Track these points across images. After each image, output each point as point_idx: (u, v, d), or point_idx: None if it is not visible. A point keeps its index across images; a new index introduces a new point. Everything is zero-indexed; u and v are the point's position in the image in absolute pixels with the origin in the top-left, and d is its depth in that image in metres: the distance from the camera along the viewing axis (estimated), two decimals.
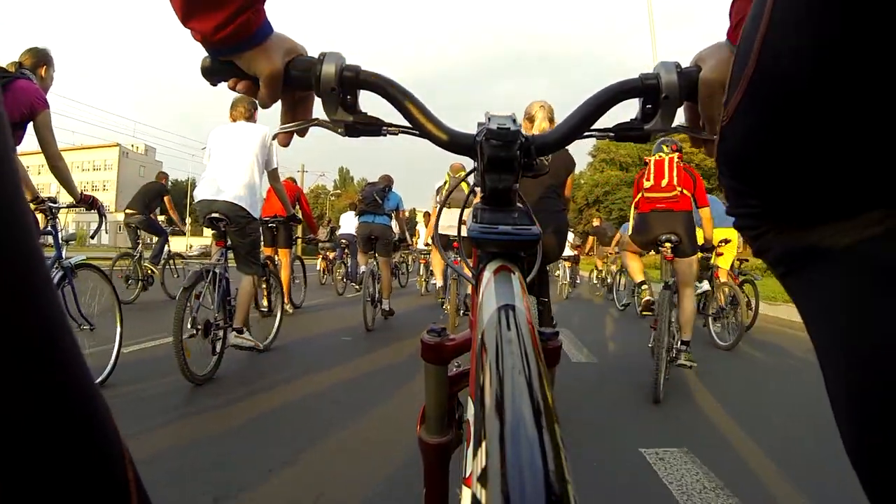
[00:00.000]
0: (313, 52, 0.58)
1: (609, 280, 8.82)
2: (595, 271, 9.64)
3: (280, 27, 0.56)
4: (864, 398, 0.35)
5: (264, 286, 4.43)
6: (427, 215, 8.45)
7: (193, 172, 66.24)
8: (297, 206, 5.36)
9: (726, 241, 4.70)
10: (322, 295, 7.72)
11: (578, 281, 10.43)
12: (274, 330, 3.78)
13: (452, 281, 4.34)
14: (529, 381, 0.26)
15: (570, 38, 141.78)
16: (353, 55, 0.59)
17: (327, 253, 9.93)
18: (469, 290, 4.04)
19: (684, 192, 3.14)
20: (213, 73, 0.57)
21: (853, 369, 0.36)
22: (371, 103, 0.60)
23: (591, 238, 10.45)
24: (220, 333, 2.88)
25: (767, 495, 1.73)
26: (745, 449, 2.15)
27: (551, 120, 2.69)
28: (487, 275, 0.42)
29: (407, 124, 0.57)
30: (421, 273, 9.46)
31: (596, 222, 10.83)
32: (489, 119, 0.52)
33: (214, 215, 2.99)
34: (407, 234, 9.04)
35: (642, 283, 3.81)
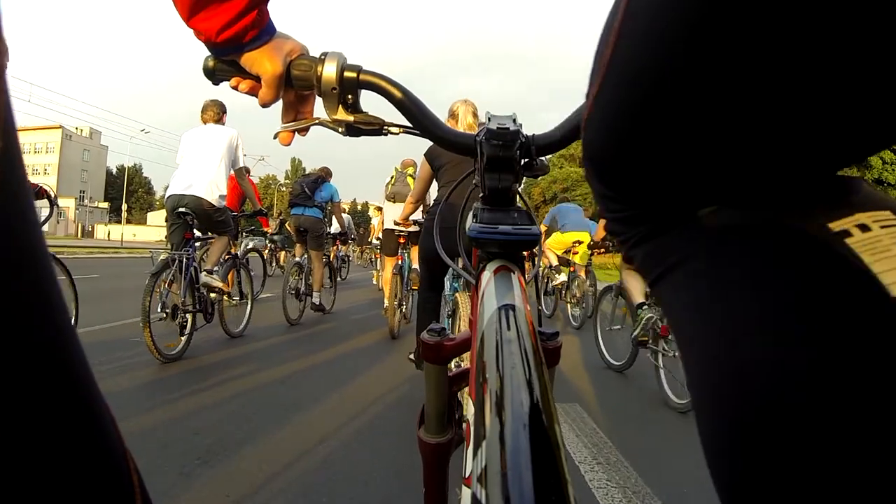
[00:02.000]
0: (315, 52, 0.57)
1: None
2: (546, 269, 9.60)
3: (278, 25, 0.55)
4: (723, 404, 0.31)
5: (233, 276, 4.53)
6: (379, 209, 8.24)
7: (134, 156, 61.68)
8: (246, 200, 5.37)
9: (579, 242, 5.56)
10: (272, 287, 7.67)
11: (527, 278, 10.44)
12: (245, 318, 4.06)
13: (393, 276, 4.17)
14: (529, 380, 0.26)
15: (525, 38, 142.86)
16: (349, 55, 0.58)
17: (275, 246, 9.75)
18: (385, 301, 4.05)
19: None
20: (215, 72, 0.56)
21: (712, 387, 0.32)
22: (372, 102, 0.59)
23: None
24: (188, 317, 3.10)
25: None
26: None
27: (475, 114, 2.71)
28: (487, 275, 0.42)
29: (407, 124, 0.57)
30: (378, 268, 9.04)
31: None
32: (489, 119, 0.51)
33: (182, 209, 3.23)
34: (351, 226, 8.72)
35: (642, 304, 3.36)
